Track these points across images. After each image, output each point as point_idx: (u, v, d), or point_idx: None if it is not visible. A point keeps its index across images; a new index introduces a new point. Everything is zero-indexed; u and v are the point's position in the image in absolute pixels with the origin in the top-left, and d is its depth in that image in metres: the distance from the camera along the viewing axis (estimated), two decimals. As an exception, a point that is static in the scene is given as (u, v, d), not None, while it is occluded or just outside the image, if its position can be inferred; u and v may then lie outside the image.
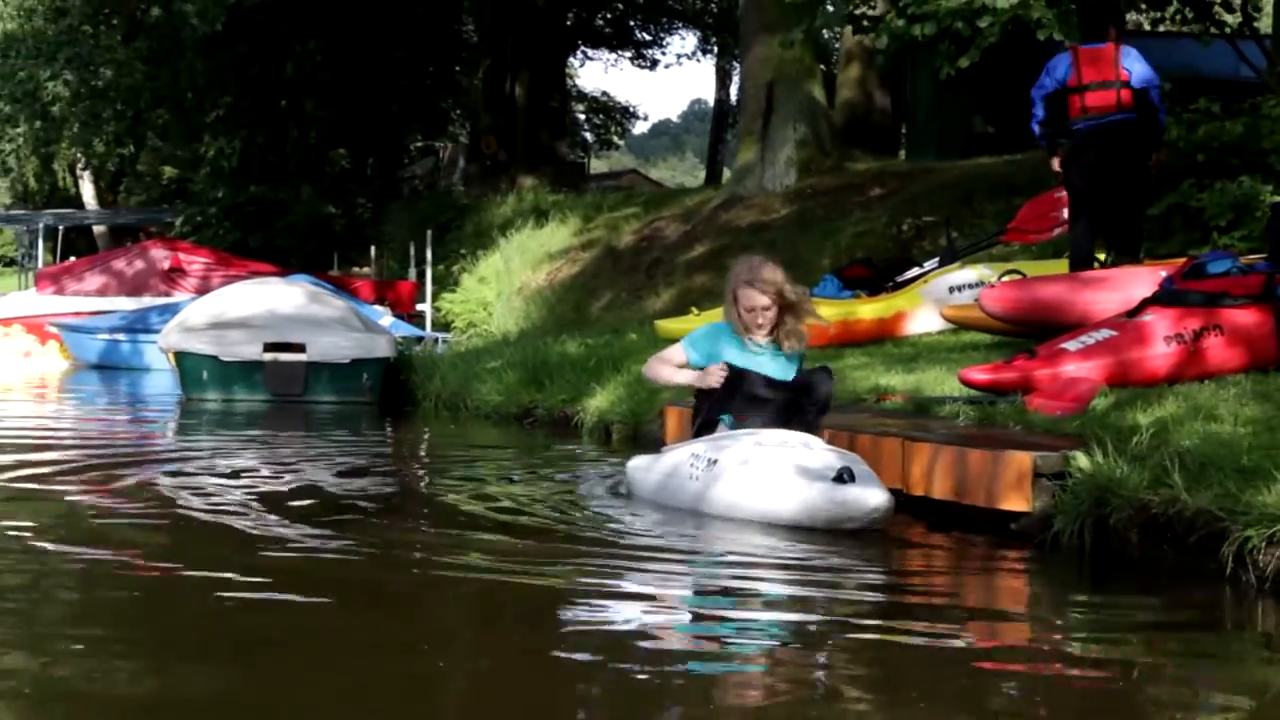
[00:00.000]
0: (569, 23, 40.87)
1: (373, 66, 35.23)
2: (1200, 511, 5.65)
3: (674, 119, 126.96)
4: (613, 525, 7.06)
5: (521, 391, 13.29)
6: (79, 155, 50.09)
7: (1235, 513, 5.47)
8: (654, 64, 48.65)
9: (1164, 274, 9.46)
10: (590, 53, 48.63)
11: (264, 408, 15.00)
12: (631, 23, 46.90)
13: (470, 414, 13.86)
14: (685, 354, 7.74)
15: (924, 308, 12.85)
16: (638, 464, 8.00)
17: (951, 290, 12.86)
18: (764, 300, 7.40)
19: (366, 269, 29.55)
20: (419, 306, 23.87)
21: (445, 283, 25.51)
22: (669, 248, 20.76)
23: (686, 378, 7.70)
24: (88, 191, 56.90)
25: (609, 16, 45.11)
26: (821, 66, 24.79)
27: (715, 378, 7.47)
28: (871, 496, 6.62)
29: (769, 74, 20.91)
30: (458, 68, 39.01)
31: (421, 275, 23.77)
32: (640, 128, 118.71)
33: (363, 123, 36.31)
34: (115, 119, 36.12)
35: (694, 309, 13.99)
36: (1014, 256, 13.68)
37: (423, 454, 11.58)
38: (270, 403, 15.24)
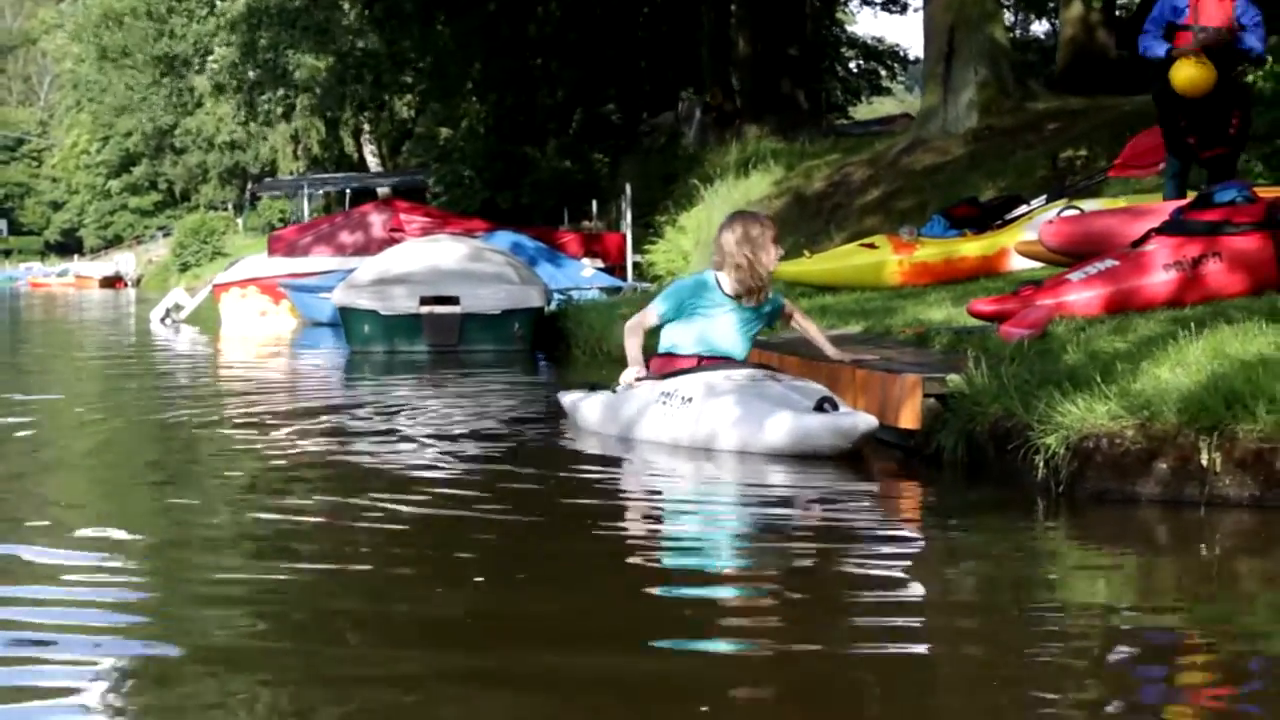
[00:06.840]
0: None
1: (618, 24, 36.09)
2: (1026, 424, 6.15)
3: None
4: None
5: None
6: (363, 121, 52.31)
7: (1042, 422, 5.96)
8: (904, 8, 48.35)
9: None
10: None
11: (423, 357, 15.95)
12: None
13: (606, 358, 14.57)
14: (658, 310, 8.17)
15: (1026, 244, 13.09)
16: (576, 399, 8.64)
17: (1053, 226, 13.09)
18: (776, 264, 7.99)
19: (590, 223, 30.42)
20: (635, 257, 24.57)
21: (662, 233, 26.16)
22: (851, 192, 21.17)
23: (629, 366, 8.20)
24: (370, 155, 59.28)
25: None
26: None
27: (630, 383, 8.06)
28: (860, 421, 7.13)
29: (950, 17, 21.14)
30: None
31: (631, 226, 24.48)
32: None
33: (610, 80, 37.20)
34: (359, 84, 37.67)
35: (806, 252, 14.48)
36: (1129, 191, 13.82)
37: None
38: (428, 352, 16.23)
